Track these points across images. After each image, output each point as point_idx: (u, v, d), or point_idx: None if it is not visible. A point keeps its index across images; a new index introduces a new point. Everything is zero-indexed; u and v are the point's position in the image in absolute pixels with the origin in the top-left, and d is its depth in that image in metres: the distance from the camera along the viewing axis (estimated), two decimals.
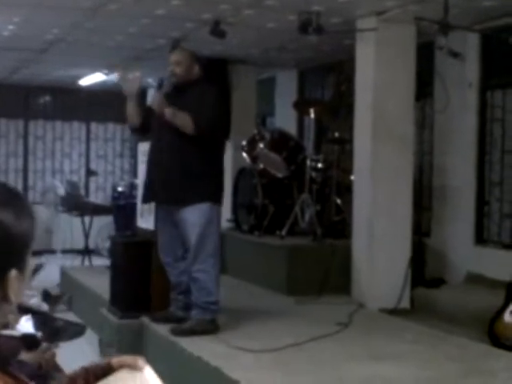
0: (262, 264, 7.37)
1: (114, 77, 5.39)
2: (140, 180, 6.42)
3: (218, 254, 5.48)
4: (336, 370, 4.51)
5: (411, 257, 6.78)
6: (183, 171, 5.23)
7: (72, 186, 11.32)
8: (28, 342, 3.43)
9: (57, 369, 3.66)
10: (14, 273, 1.42)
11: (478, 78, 7.53)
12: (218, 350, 4.92)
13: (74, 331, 4.04)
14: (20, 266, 1.44)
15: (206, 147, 5.26)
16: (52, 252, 12.32)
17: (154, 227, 5.97)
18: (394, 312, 6.47)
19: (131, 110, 5.64)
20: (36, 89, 13.09)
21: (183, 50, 5.74)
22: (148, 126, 5.47)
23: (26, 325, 3.63)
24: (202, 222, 5.23)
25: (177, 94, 5.41)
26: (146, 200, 5.68)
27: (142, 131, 5.64)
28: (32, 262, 1.56)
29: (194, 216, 5.22)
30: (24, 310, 4.71)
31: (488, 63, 7.51)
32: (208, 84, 5.62)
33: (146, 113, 5.52)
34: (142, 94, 5.60)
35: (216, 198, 5.36)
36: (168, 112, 5.21)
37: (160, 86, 5.49)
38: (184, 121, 5.18)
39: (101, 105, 13.58)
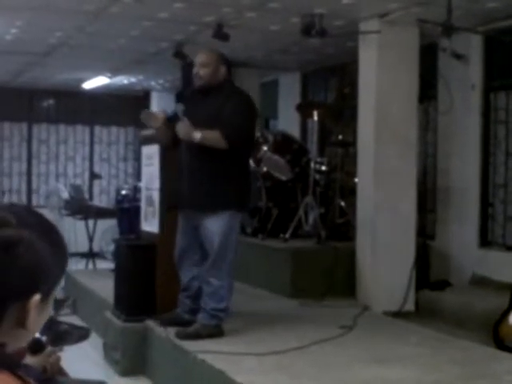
0: (266, 267, 7.36)
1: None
2: (143, 183, 6.42)
3: (235, 261, 5.37)
4: (340, 373, 4.51)
5: (416, 259, 6.78)
6: (208, 178, 5.17)
7: (76, 189, 11.31)
8: (33, 345, 3.44)
9: (61, 373, 3.67)
10: (37, 297, 1.41)
11: (482, 80, 7.52)
12: (221, 353, 4.91)
13: (78, 335, 4.04)
14: (45, 296, 1.44)
15: (232, 154, 5.13)
16: None
17: (159, 231, 5.96)
18: (398, 315, 6.46)
19: (161, 135, 5.55)
20: (39, 92, 13.10)
21: (210, 50, 5.52)
22: (177, 138, 5.29)
23: None
24: (223, 230, 5.17)
25: (200, 96, 5.35)
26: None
27: (173, 145, 5.47)
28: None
29: (216, 224, 5.17)
30: None
31: (491, 65, 7.51)
32: (234, 88, 5.49)
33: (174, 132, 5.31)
34: (170, 118, 5.50)
35: (239, 206, 5.29)
36: (196, 137, 5.06)
37: (173, 117, 5.33)
38: (214, 140, 5.06)
39: (104, 108, 13.60)
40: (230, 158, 5.13)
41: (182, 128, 5.12)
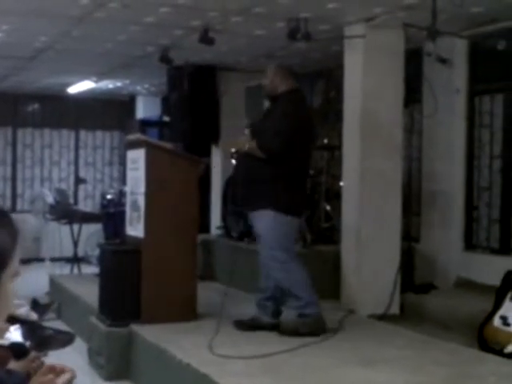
0: (252, 271, 7.35)
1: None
2: (128, 188, 6.40)
3: (294, 258, 5.60)
4: (326, 376, 4.51)
5: (400, 262, 6.79)
6: (248, 182, 5.64)
7: (61, 194, 11.27)
8: (16, 351, 3.42)
9: None
10: None
11: (466, 84, 7.56)
12: (207, 357, 4.91)
13: (63, 340, 4.03)
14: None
15: (272, 160, 5.50)
16: (41, 260, 12.28)
17: (144, 235, 5.96)
18: (383, 318, 6.48)
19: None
20: (24, 97, 13.06)
21: (274, 64, 5.95)
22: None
23: (14, 334, 3.62)
24: (263, 228, 5.54)
25: (270, 105, 5.98)
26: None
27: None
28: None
29: (257, 222, 5.61)
30: (12, 319, 4.69)
31: (476, 69, 7.54)
32: (285, 102, 5.72)
33: None
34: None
35: (280, 207, 5.49)
36: (244, 147, 5.68)
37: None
38: (254, 150, 5.55)
39: (89, 112, 13.58)
40: (268, 164, 5.50)
41: (240, 140, 5.90)
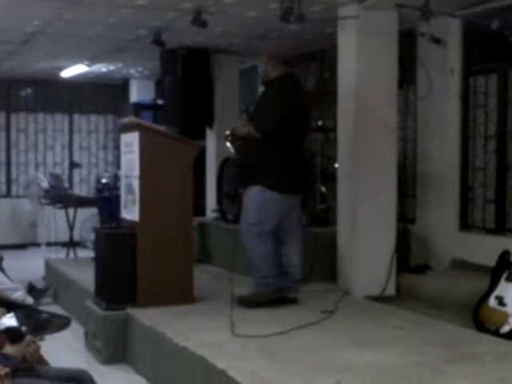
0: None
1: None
2: (123, 171, 6.39)
3: (263, 233, 5.86)
4: (322, 357, 4.52)
5: (396, 244, 6.80)
6: (248, 161, 5.99)
7: (55, 178, 11.26)
8: (12, 335, 3.43)
9: (42, 361, 3.66)
10: None
11: (461, 64, 7.54)
12: (203, 339, 4.92)
13: (59, 323, 4.04)
14: None
15: (266, 141, 5.79)
16: (36, 245, 12.30)
17: (139, 219, 5.95)
18: (379, 299, 6.49)
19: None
20: (17, 81, 13.01)
21: (270, 51, 6.23)
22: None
23: (9, 321, 3.62)
24: (249, 200, 5.89)
25: (264, 90, 6.18)
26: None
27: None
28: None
29: (246, 197, 5.94)
30: (8, 304, 4.71)
31: (470, 49, 7.52)
32: (276, 86, 5.96)
33: None
34: None
35: (268, 183, 5.80)
36: (242, 131, 6.09)
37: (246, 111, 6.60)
38: (251, 131, 5.90)
39: (83, 96, 13.54)
40: (264, 145, 5.78)
41: (238, 125, 6.28)
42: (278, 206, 5.88)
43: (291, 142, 5.89)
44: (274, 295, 5.94)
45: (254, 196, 5.84)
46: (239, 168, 6.33)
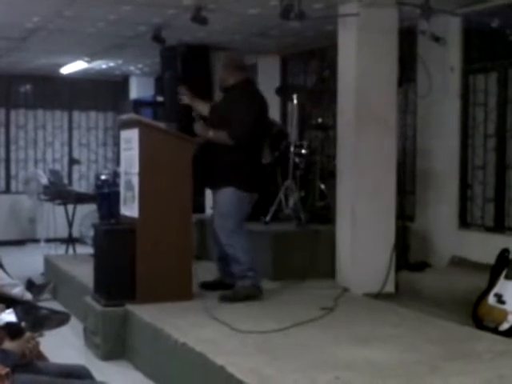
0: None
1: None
2: (122, 168, 6.39)
3: (239, 232, 6.11)
4: (321, 354, 4.52)
5: (395, 241, 6.81)
6: (217, 164, 6.12)
7: (55, 174, 11.25)
8: (12, 330, 3.43)
9: (41, 357, 3.66)
10: None
11: (461, 63, 7.54)
12: (202, 336, 4.92)
13: (58, 320, 4.04)
14: None
15: (236, 147, 5.98)
16: (35, 241, 12.30)
17: (138, 215, 5.95)
18: (378, 296, 6.50)
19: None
20: (17, 78, 13.00)
21: (229, 55, 6.54)
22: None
23: (8, 317, 3.63)
24: (225, 202, 6.07)
25: (223, 96, 6.35)
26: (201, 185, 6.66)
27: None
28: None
29: (220, 197, 6.13)
30: (7, 300, 4.71)
31: (470, 47, 7.53)
32: (246, 89, 6.18)
33: None
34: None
35: (240, 186, 6.04)
36: (209, 135, 6.05)
37: (199, 116, 6.31)
38: (222, 139, 5.99)
39: (83, 93, 13.53)
40: (234, 150, 5.97)
41: (198, 128, 6.11)
42: (247, 204, 6.19)
43: (256, 145, 6.24)
44: (254, 288, 6.12)
45: (230, 196, 6.06)
46: (207, 170, 6.29)
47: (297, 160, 7.75)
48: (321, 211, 7.90)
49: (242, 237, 6.14)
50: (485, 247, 6.80)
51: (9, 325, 3.47)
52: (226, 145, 5.99)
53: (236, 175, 6.06)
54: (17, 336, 3.39)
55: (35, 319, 3.84)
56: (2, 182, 13.24)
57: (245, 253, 6.09)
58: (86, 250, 9.31)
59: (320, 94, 9.42)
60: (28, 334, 3.46)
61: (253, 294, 6.07)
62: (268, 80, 10.45)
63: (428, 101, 7.58)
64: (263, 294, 6.17)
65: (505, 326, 5.43)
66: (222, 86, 6.35)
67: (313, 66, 10.07)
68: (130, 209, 6.12)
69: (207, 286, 6.34)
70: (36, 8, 7.47)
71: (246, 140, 6.01)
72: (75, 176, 13.68)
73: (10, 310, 3.71)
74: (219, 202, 6.17)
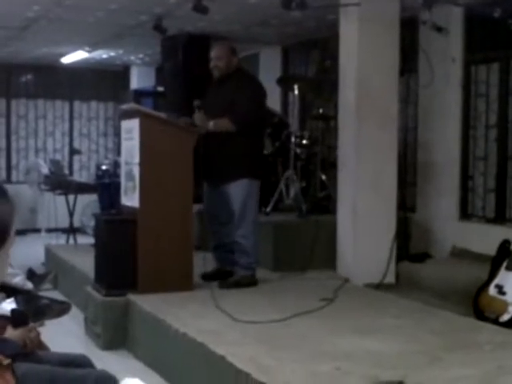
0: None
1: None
2: (123, 158, 6.38)
3: (257, 222, 6.26)
4: (321, 345, 4.53)
5: (396, 232, 6.80)
6: (225, 155, 6.06)
7: (56, 164, 11.25)
8: (16, 318, 3.42)
9: (42, 347, 3.66)
10: None
11: (462, 53, 7.52)
12: (203, 326, 4.92)
13: (59, 309, 4.03)
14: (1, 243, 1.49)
15: (243, 134, 5.99)
16: (36, 231, 12.30)
17: (139, 205, 5.94)
18: (379, 287, 6.50)
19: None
20: (18, 67, 12.98)
21: (223, 44, 6.50)
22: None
23: (9, 306, 3.62)
24: (242, 194, 6.06)
25: (219, 85, 6.26)
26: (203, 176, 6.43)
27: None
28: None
29: (235, 190, 6.07)
30: (8, 289, 4.70)
31: (472, 38, 7.50)
32: (245, 76, 6.34)
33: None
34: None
35: (254, 175, 6.12)
36: (210, 126, 6.03)
37: (199, 107, 6.13)
38: (225, 125, 6.00)
39: (84, 83, 13.51)
40: (241, 137, 5.98)
41: (198, 119, 6.09)
42: (259, 190, 6.28)
43: (259, 132, 6.33)
44: (255, 279, 6.31)
45: (247, 189, 6.09)
46: (214, 162, 6.16)
47: (298, 150, 7.74)
48: (322, 202, 7.90)
49: (258, 227, 6.24)
50: (486, 238, 6.79)
51: (14, 312, 3.46)
52: (230, 136, 5.97)
53: (246, 165, 6.09)
54: (21, 325, 3.39)
55: (36, 309, 3.83)
56: (3, 171, 13.23)
57: (255, 246, 6.19)
58: (87, 239, 9.30)
59: (321, 85, 9.39)
60: (31, 324, 3.46)
61: (253, 283, 6.23)
62: (269, 70, 10.44)
63: (430, 91, 7.56)
64: (262, 283, 6.30)
65: (505, 317, 5.43)
66: (221, 76, 6.25)
67: (314, 57, 10.05)
68: (130, 199, 6.12)
69: (208, 277, 6.36)
70: None
71: (249, 126, 6.02)
72: (76, 166, 13.67)
73: (10, 300, 3.70)
74: (234, 196, 6.11)
